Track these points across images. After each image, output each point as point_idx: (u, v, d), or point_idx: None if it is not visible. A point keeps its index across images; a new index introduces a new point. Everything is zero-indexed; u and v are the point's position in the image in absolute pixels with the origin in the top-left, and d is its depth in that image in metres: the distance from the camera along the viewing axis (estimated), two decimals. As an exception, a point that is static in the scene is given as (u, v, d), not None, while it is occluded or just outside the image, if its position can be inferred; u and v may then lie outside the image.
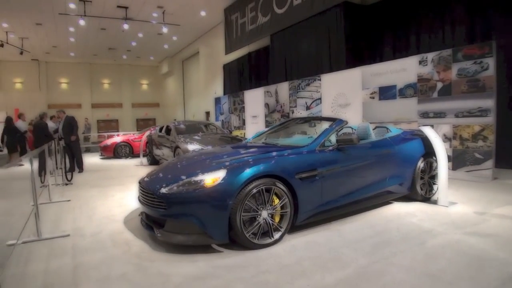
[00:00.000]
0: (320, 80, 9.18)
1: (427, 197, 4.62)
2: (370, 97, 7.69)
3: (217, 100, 15.42)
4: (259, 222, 3.12)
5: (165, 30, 15.39)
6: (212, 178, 3.07)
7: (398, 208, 4.36)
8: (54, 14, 13.91)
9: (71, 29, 16.27)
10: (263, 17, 11.97)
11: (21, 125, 10.77)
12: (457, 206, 4.34)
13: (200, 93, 19.34)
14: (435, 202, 4.49)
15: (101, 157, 12.85)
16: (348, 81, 8.29)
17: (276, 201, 3.24)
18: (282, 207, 3.26)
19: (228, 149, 4.26)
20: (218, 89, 16.97)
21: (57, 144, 7.34)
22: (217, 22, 15.88)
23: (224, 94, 15.65)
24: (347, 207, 3.87)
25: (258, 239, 3.11)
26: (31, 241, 3.60)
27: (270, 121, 11.28)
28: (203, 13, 14.73)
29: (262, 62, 13.55)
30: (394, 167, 4.29)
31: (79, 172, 8.71)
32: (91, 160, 12.23)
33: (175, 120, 19.50)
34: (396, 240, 3.25)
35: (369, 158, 4.07)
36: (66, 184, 6.99)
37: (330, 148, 3.77)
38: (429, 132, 4.46)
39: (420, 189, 4.53)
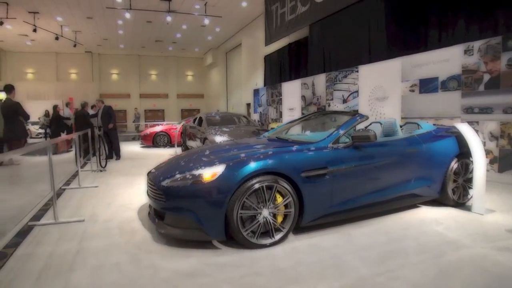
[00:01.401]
0: (357, 71, 8.70)
1: (460, 203, 4.15)
2: (410, 90, 7.12)
3: (256, 92, 15.31)
4: (258, 221, 2.97)
5: (206, 21, 15.57)
6: (210, 173, 2.96)
7: (424, 213, 3.96)
8: (103, 7, 14.61)
9: (120, 22, 17.01)
10: (303, 6, 11.56)
11: (66, 113, 11.43)
12: (494, 214, 3.85)
13: (242, 85, 19.36)
14: (469, 209, 4.02)
15: (141, 145, 13.37)
16: (386, 73, 7.75)
17: (279, 199, 3.06)
18: (285, 207, 3.07)
19: (236, 144, 4.11)
20: (259, 80, 16.82)
21: (93, 132, 7.67)
22: (258, 13, 15.70)
23: (265, 85, 15.48)
24: (363, 209, 3.57)
25: (257, 238, 2.96)
26: (48, 224, 3.78)
27: (306, 114, 10.96)
28: (244, 4, 14.64)
29: (302, 53, 13.14)
30: (421, 167, 3.88)
31: (116, 159, 9.09)
32: (130, 148, 12.74)
33: (217, 110, 19.78)
34: (411, 251, 2.92)
35: (390, 157, 3.71)
36: (100, 171, 7.31)
37: (345, 145, 3.48)
38: (464, 129, 3.98)
39: (452, 193, 4.07)
